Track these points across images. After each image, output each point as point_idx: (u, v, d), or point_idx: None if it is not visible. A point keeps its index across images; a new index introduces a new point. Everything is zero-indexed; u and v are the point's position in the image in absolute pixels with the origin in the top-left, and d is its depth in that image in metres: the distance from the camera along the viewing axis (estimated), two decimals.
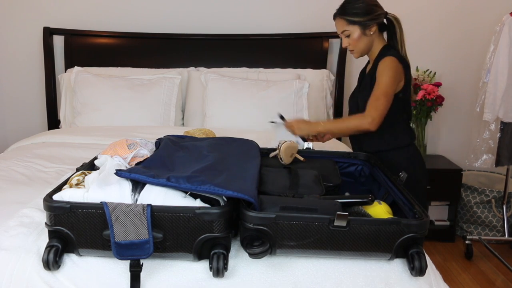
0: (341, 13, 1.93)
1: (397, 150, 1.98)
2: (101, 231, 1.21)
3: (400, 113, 1.97)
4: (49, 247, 1.23)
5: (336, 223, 1.20)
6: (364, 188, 1.78)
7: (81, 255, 1.28)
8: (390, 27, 1.98)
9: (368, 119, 1.81)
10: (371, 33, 1.93)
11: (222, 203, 1.28)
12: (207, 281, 1.25)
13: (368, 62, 2.10)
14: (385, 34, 2.03)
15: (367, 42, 1.95)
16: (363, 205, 1.38)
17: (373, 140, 1.97)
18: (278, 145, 1.74)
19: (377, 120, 1.81)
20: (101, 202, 1.21)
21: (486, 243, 2.96)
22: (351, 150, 2.15)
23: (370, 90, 1.89)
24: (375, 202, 1.40)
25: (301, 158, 1.77)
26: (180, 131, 2.43)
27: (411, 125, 2.13)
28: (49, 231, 1.25)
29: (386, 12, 1.96)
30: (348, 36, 1.94)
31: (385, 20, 1.97)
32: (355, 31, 1.92)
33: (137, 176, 1.27)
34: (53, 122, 3.22)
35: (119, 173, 1.28)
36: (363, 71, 2.13)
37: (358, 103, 1.99)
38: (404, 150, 1.99)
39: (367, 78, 1.99)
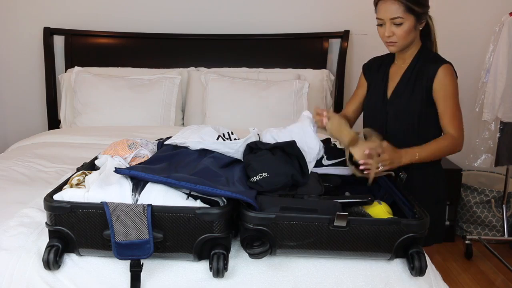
0: None
1: (432, 167, 1.79)
2: (102, 231, 1.21)
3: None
4: (49, 247, 1.24)
5: (336, 223, 1.21)
6: (364, 188, 1.78)
7: (81, 255, 1.28)
8: (425, 27, 1.76)
9: (459, 142, 1.68)
10: (420, 28, 1.71)
11: (221, 204, 1.29)
12: (207, 281, 1.25)
13: (382, 59, 1.89)
14: None
15: (413, 37, 1.71)
16: (363, 205, 1.38)
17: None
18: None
19: (463, 140, 1.69)
20: (101, 202, 1.21)
21: (485, 243, 2.96)
22: None
23: (410, 97, 1.71)
24: (375, 202, 1.40)
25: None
26: None
27: None
28: (49, 231, 1.26)
29: None
30: (398, 25, 1.65)
31: None
32: (410, 21, 1.65)
33: (136, 173, 1.27)
34: (54, 122, 3.22)
35: (118, 170, 1.28)
36: (374, 68, 1.88)
37: (391, 108, 1.76)
38: (439, 167, 1.84)
39: (404, 83, 1.75)
